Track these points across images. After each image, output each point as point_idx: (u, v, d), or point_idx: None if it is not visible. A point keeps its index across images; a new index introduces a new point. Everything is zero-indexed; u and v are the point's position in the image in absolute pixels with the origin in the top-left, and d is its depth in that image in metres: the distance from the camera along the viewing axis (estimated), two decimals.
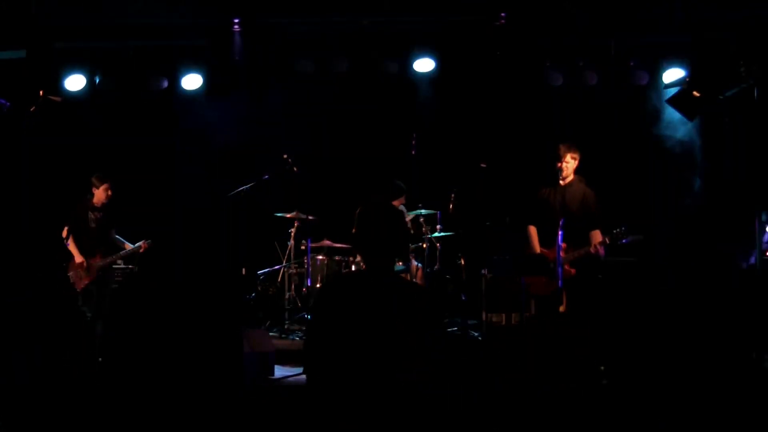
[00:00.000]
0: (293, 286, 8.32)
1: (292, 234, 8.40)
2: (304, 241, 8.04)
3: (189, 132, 8.85)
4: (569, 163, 6.66)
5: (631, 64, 8.21)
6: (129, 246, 7.57)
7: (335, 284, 3.55)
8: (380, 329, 3.11)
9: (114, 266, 7.69)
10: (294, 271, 8.35)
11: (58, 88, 8.20)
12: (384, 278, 3.25)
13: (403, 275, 7.95)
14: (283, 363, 6.73)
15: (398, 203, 8.33)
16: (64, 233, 7.36)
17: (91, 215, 7.44)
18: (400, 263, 7.83)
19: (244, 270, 8.34)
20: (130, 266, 7.90)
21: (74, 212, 7.43)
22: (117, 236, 7.64)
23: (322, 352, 3.17)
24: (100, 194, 7.43)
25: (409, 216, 8.19)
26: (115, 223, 7.61)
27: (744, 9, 7.55)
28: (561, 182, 6.70)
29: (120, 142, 8.80)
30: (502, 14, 7.89)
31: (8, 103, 7.60)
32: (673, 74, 8.12)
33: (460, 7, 7.93)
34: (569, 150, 6.66)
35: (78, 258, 7.33)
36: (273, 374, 6.55)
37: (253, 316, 8.28)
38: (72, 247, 7.34)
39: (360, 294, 3.20)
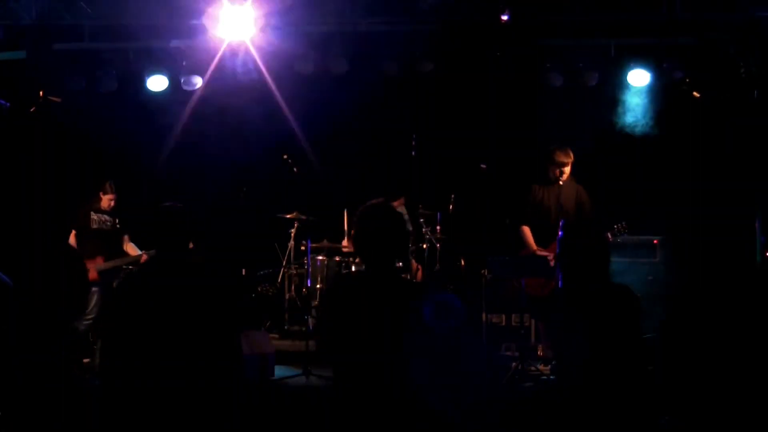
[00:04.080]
0: (293, 287, 8.32)
1: (292, 234, 8.39)
2: (304, 242, 8.05)
3: (188, 131, 8.85)
4: (567, 168, 6.68)
5: (631, 64, 8.19)
6: (136, 252, 7.57)
7: (341, 283, 3.56)
8: (387, 329, 3.12)
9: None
10: (294, 271, 8.35)
11: (58, 89, 8.19)
12: (387, 278, 3.26)
13: (402, 275, 7.98)
14: (283, 364, 6.73)
15: (398, 204, 8.34)
16: (72, 235, 7.36)
17: (93, 216, 7.44)
18: (400, 264, 7.83)
19: (243, 271, 8.35)
20: (130, 266, 7.90)
21: (78, 212, 7.44)
22: (131, 243, 7.63)
23: (333, 350, 3.20)
24: (105, 201, 7.46)
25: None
26: (126, 230, 7.60)
27: (744, 10, 7.54)
28: (557, 182, 6.71)
29: (120, 141, 8.82)
30: (503, 14, 7.87)
31: (8, 104, 7.61)
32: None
33: (461, 7, 7.92)
34: (567, 156, 6.66)
35: None
36: (273, 375, 6.56)
37: (253, 316, 8.28)
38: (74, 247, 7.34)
39: (366, 294, 3.21)
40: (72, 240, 7.38)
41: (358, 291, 3.25)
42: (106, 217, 7.48)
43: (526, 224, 6.87)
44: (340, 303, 3.23)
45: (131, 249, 7.63)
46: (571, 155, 6.67)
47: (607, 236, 6.44)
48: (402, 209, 8.41)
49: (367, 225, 3.28)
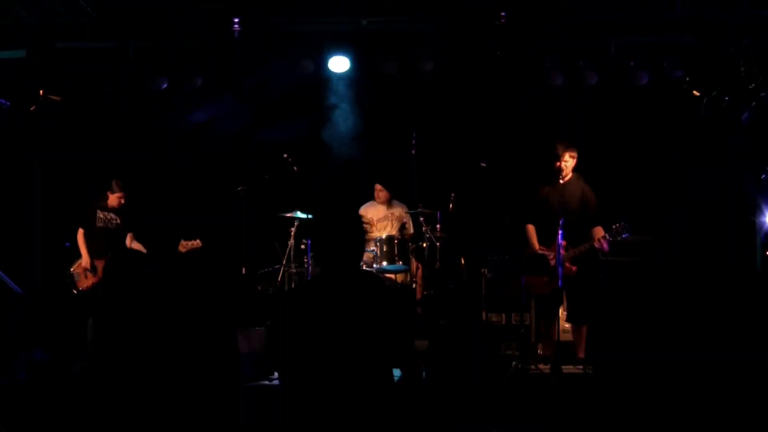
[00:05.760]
0: (293, 286, 8.31)
1: (292, 233, 8.39)
2: (304, 241, 8.05)
3: (189, 131, 8.86)
4: (568, 162, 6.66)
5: (632, 63, 8.20)
6: (143, 251, 7.55)
7: (295, 290, 3.61)
8: (343, 328, 3.15)
9: None
10: (294, 270, 8.34)
11: (59, 88, 8.19)
12: (341, 279, 3.28)
13: (402, 275, 7.98)
14: None
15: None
16: (80, 234, 7.35)
17: (100, 214, 7.42)
18: (400, 262, 7.84)
19: (243, 269, 8.35)
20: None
21: (84, 211, 7.43)
22: (137, 241, 7.62)
23: (289, 356, 3.23)
24: (113, 199, 7.45)
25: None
26: (131, 228, 7.59)
27: (744, 10, 7.55)
28: (560, 181, 6.70)
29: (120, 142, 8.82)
30: (503, 14, 7.88)
31: (8, 103, 7.62)
32: None
33: (461, 6, 7.92)
34: (567, 149, 6.66)
35: (85, 258, 7.32)
36: (272, 374, 6.56)
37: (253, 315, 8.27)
38: (82, 246, 7.32)
39: (319, 296, 3.26)
40: (80, 238, 7.37)
41: (315, 293, 3.30)
42: (113, 215, 7.47)
43: (531, 223, 6.87)
44: (298, 306, 3.27)
45: (137, 247, 7.62)
46: (573, 150, 6.66)
47: (606, 236, 6.42)
48: (402, 207, 8.42)
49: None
